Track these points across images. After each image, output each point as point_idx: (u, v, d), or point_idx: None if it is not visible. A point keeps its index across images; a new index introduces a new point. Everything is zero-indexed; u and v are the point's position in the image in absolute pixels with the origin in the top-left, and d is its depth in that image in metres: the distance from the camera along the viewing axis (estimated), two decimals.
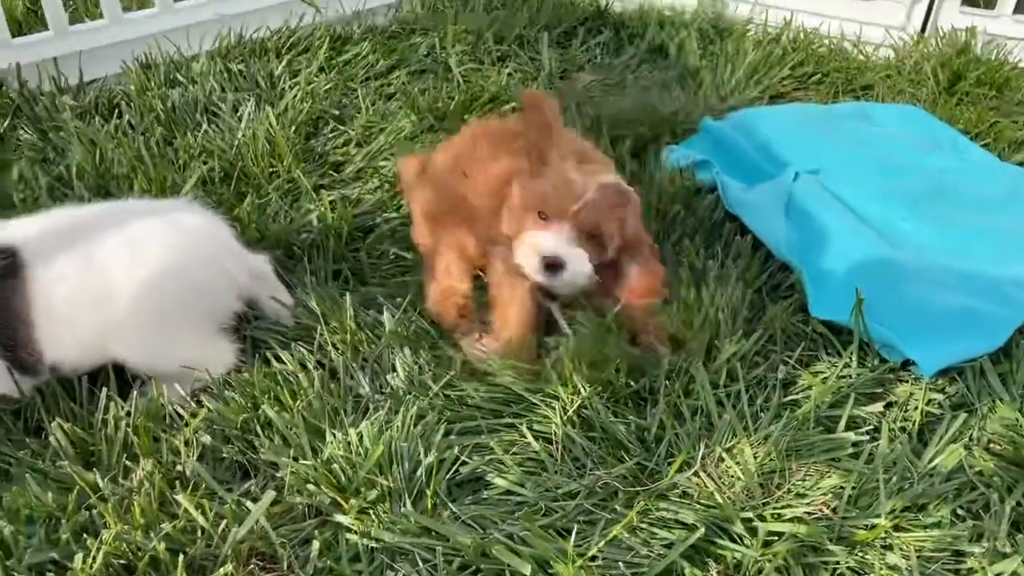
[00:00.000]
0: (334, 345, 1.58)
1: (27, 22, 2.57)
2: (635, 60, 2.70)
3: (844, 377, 1.55)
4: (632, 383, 1.52)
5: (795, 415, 1.47)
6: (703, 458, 1.40)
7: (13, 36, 2.30)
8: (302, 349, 1.55)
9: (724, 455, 1.40)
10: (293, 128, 2.16)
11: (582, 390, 1.47)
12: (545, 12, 2.84)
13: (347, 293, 1.65)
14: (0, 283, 1.34)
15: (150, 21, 2.49)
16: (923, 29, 2.78)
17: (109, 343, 1.41)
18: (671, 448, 1.42)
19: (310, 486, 1.29)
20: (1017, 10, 2.67)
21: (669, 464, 1.37)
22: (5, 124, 2.12)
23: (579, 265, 1.50)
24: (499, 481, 1.34)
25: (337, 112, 2.28)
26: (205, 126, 2.14)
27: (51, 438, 1.31)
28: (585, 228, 1.50)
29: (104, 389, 1.40)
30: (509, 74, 2.49)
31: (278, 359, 1.52)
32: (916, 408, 1.51)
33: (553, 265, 1.48)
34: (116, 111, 2.20)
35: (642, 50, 2.74)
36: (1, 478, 1.30)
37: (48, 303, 1.36)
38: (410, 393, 1.48)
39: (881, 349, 1.59)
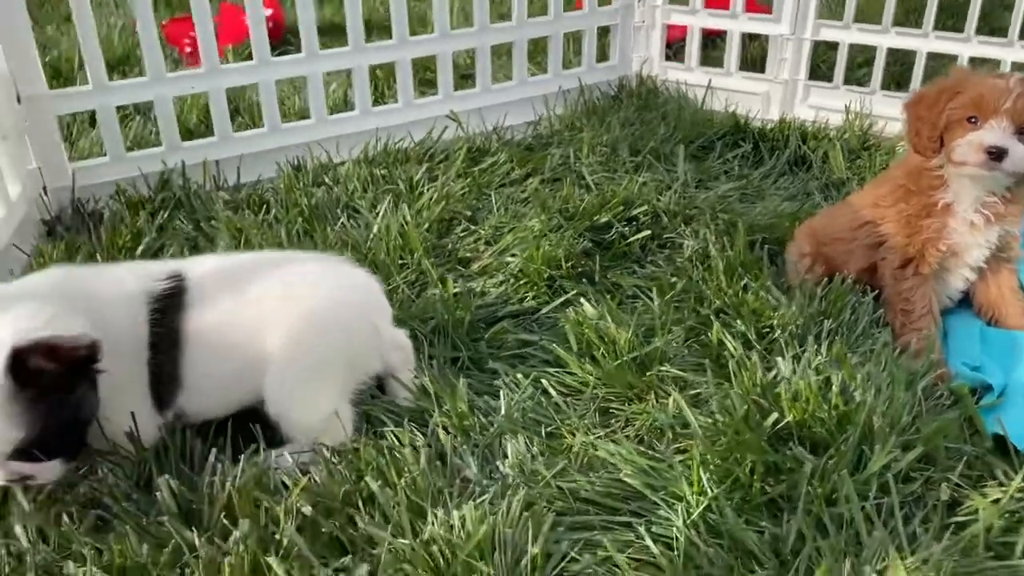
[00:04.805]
0: (445, 428, 1.52)
1: (197, 130, 2.81)
2: (775, 172, 2.63)
3: (1021, 499, 1.34)
4: (768, 488, 1.36)
5: (961, 537, 1.26)
6: None
7: (183, 141, 2.52)
8: (414, 429, 1.51)
9: None
10: (427, 226, 2.21)
11: (709, 491, 1.33)
12: (682, 127, 2.84)
13: (462, 377, 1.61)
14: (168, 314, 1.39)
15: (305, 130, 2.67)
16: None
17: (251, 380, 1.42)
18: (811, 563, 1.24)
19: (406, 566, 1.20)
20: None
21: None
22: (166, 215, 2.27)
23: (1020, 153, 1.58)
24: None
25: (470, 213, 2.31)
26: (344, 220, 2.22)
27: (157, 494, 1.30)
28: (1019, 120, 1.58)
29: (214, 450, 1.39)
30: (643, 183, 2.47)
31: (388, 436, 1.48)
32: None
33: (997, 153, 1.56)
34: (264, 206, 2.33)
35: (782, 162, 2.67)
36: (105, 530, 1.29)
37: (198, 332, 1.40)
38: (519, 480, 1.38)
39: None
